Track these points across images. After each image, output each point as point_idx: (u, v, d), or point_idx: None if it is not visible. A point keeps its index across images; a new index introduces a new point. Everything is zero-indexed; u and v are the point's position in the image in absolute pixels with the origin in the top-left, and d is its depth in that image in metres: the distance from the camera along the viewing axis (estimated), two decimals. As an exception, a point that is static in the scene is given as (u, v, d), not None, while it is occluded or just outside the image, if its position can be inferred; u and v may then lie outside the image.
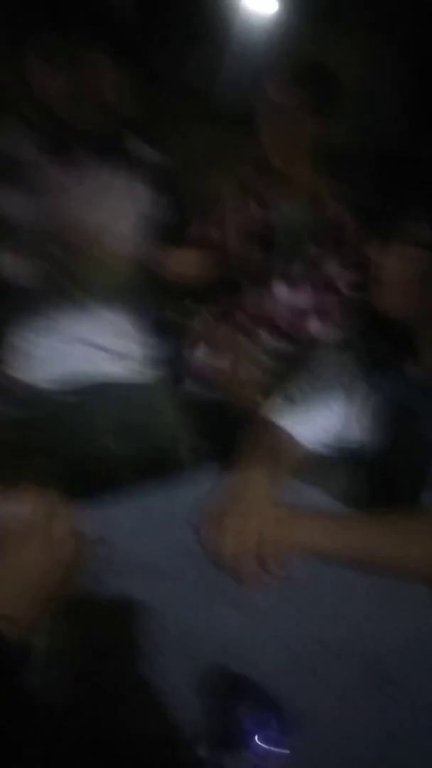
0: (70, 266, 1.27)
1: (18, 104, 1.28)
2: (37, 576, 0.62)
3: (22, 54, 1.19)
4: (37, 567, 0.62)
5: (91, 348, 1.34)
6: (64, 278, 1.28)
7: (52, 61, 1.18)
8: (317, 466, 1.06)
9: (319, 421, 1.05)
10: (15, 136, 1.26)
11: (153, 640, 0.70)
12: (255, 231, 1.49)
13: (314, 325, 1.48)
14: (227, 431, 1.18)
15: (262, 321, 1.51)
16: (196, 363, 1.55)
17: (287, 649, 0.70)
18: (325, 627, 0.72)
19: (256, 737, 0.59)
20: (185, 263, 1.42)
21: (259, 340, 1.51)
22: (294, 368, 1.29)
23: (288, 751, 0.59)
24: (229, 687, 0.65)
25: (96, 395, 1.33)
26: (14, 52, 1.20)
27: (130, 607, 0.74)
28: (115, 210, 1.32)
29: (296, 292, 1.48)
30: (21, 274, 1.27)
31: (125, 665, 0.68)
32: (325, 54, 1.53)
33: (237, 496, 0.84)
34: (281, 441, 1.04)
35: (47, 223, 1.25)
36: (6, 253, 1.27)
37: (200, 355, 1.55)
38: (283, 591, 0.76)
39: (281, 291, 1.49)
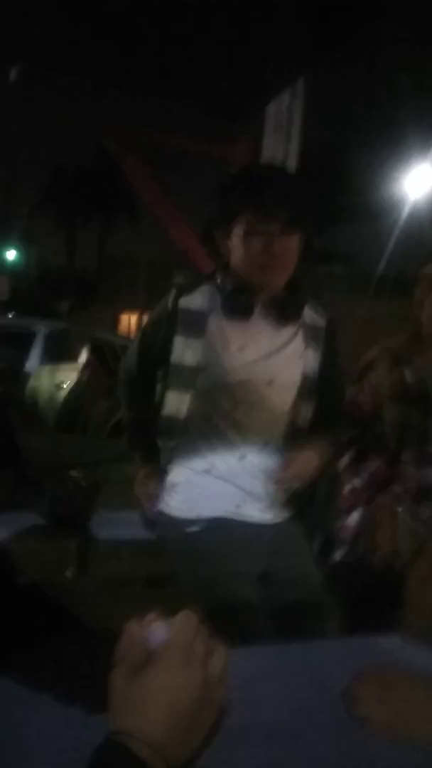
0: (235, 414, 1.36)
1: (214, 271, 1.43)
2: (193, 707, 0.54)
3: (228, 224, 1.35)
4: (194, 696, 0.55)
5: (236, 488, 1.38)
6: (226, 423, 1.37)
7: (255, 233, 1.30)
8: None
9: None
10: (206, 298, 1.39)
11: None
12: (410, 395, 1.53)
13: None
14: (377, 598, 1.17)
15: (425, 497, 1.49)
16: (351, 530, 1.55)
17: None
18: None
19: None
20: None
21: (417, 512, 1.49)
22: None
23: None
24: None
25: (233, 533, 1.34)
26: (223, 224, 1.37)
27: None
28: (281, 366, 1.40)
29: None
30: (183, 411, 1.37)
31: None
32: None
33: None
34: None
35: (221, 374, 1.35)
36: (170, 392, 1.38)
37: (355, 521, 1.55)
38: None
39: None
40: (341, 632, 1.29)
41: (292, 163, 3.28)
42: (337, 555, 1.53)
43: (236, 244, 1.35)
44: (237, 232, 1.33)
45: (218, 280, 1.40)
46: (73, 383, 5.77)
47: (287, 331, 1.42)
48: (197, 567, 1.32)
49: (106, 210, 26.29)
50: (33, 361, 6.48)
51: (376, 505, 1.52)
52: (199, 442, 1.38)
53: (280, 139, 3.39)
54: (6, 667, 0.74)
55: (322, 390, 1.47)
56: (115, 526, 2.14)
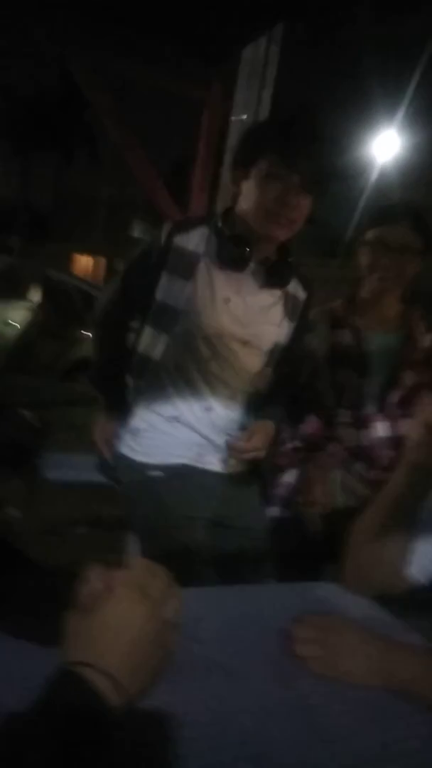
0: (209, 366, 1.36)
1: (212, 213, 1.41)
2: (145, 641, 0.57)
3: (246, 169, 1.33)
4: (146, 631, 0.57)
5: (201, 438, 1.40)
6: (198, 373, 1.37)
7: (275, 177, 1.28)
8: (414, 600, 1.01)
9: (421, 552, 1.00)
10: (202, 240, 1.36)
11: (221, 746, 0.63)
12: (349, 358, 1.55)
13: None
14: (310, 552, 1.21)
15: (359, 455, 1.52)
16: (286, 487, 1.59)
17: None
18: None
19: None
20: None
21: (355, 471, 1.53)
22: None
23: None
24: None
25: (195, 480, 1.38)
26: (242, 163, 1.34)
27: (202, 707, 0.68)
28: (261, 329, 1.41)
29: (395, 424, 1.51)
30: (157, 353, 1.36)
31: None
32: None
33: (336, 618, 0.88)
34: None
35: (202, 323, 1.33)
36: (149, 329, 1.36)
37: (290, 480, 1.58)
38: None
39: (379, 425, 1.52)
40: (281, 580, 1.36)
41: (264, 112, 3.20)
42: (273, 512, 1.56)
43: (251, 187, 1.32)
44: (256, 174, 1.30)
45: (218, 224, 1.37)
46: (24, 322, 5.61)
47: (272, 295, 1.42)
48: (156, 511, 1.35)
49: (66, 142, 24.87)
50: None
51: (311, 464, 1.56)
52: (169, 388, 1.38)
53: (254, 85, 3.28)
54: None
55: (286, 361, 1.49)
56: (66, 468, 2.14)
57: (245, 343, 1.38)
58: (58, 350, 5.18)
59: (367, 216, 1.63)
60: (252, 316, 1.38)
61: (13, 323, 5.65)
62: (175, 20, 3.02)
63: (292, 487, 1.57)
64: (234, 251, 1.34)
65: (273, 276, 1.40)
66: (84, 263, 21.16)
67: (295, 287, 1.47)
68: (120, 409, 1.44)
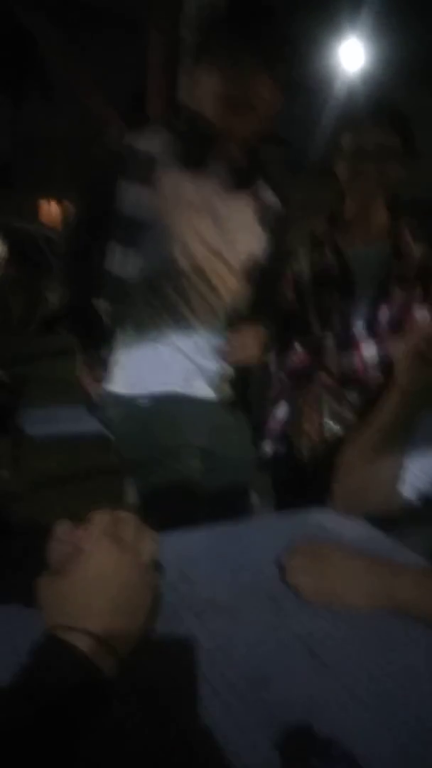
0: (183, 282, 1.28)
1: (170, 111, 1.30)
2: (126, 591, 0.53)
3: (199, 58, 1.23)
4: (125, 581, 0.54)
5: (186, 361, 1.33)
6: (174, 291, 1.29)
7: (229, 63, 1.18)
8: (406, 518, 1.01)
9: (412, 472, 0.98)
10: (156, 139, 1.27)
11: (227, 687, 0.62)
12: (332, 279, 1.47)
13: None
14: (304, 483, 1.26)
15: (348, 380, 1.47)
16: (278, 422, 1.55)
17: (376, 717, 0.61)
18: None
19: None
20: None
21: (344, 399, 1.48)
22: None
23: None
24: (313, 751, 0.56)
25: (183, 408, 1.32)
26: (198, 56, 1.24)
27: (202, 650, 0.67)
28: (232, 237, 1.31)
29: (384, 345, 1.45)
30: (128, 272, 1.27)
31: (193, 711, 0.60)
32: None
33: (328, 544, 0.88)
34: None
35: (169, 235, 1.25)
36: (116, 246, 1.27)
37: (281, 413, 1.55)
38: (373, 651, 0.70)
39: (367, 345, 1.46)
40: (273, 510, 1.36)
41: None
42: (267, 448, 1.55)
43: (205, 74, 1.22)
44: (208, 59, 1.21)
45: (174, 122, 1.28)
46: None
47: (243, 201, 1.33)
48: (145, 441, 1.32)
49: (16, 82, 23.45)
50: None
51: (300, 395, 1.52)
52: (146, 309, 1.31)
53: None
54: None
55: (264, 275, 1.41)
56: (50, 422, 2.11)
57: (217, 253, 1.30)
58: (31, 302, 5.05)
59: (339, 121, 1.52)
60: (221, 223, 1.30)
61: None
62: None
63: (284, 420, 1.55)
64: (193, 147, 1.25)
65: (239, 176, 1.31)
66: (52, 210, 20.41)
67: (268, 195, 1.39)
68: (99, 344, 1.39)
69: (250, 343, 1.39)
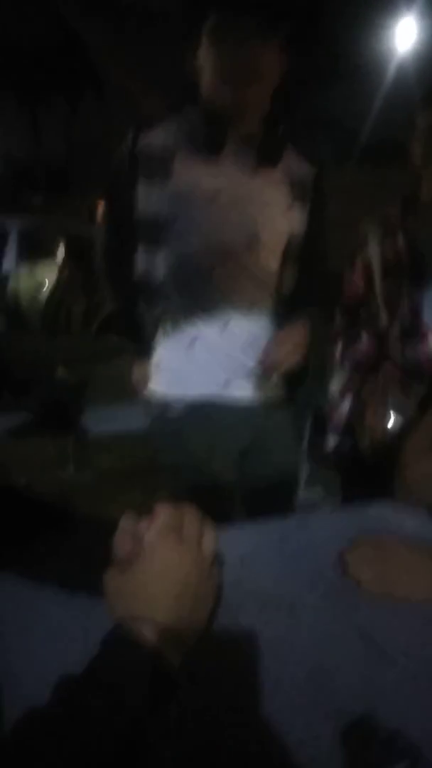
0: (215, 274, 1.23)
1: (183, 99, 1.25)
2: (191, 585, 0.56)
3: (197, 36, 1.15)
4: (189, 575, 0.57)
5: (226, 360, 1.29)
6: (206, 285, 1.24)
7: (226, 36, 1.12)
8: None
9: None
10: (171, 131, 1.22)
11: (290, 679, 0.63)
12: (402, 265, 1.40)
13: None
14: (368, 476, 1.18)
15: (415, 372, 1.41)
16: (342, 416, 1.51)
17: None
18: None
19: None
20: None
21: (411, 391, 1.42)
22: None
23: None
24: (377, 742, 0.57)
25: (221, 414, 1.30)
26: (191, 36, 1.17)
27: (263, 643, 0.68)
28: (266, 219, 1.24)
29: None
30: (158, 272, 1.24)
31: (256, 703, 0.61)
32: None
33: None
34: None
35: (194, 226, 1.20)
36: (144, 246, 1.24)
37: (346, 407, 1.50)
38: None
39: None
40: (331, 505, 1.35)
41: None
42: (331, 442, 1.52)
43: (205, 57, 1.16)
44: (206, 41, 1.15)
45: (183, 109, 1.24)
46: (53, 282, 5.61)
47: (269, 177, 1.26)
48: (180, 449, 1.30)
49: (70, 88, 23.97)
50: (9, 262, 6.23)
51: (366, 387, 1.48)
52: (181, 310, 1.27)
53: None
54: (8, 567, 0.76)
55: (308, 252, 1.34)
56: (108, 420, 2.18)
57: (250, 239, 1.23)
58: (91, 305, 5.17)
59: (418, 99, 1.39)
60: (251, 207, 1.23)
61: (47, 284, 5.67)
62: None
63: (349, 416, 1.52)
64: (207, 132, 1.19)
65: (262, 153, 1.23)
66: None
67: (297, 163, 1.30)
68: (146, 345, 1.37)
69: (290, 347, 1.32)
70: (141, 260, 1.26)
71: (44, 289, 5.64)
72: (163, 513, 0.61)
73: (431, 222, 1.40)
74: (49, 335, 5.15)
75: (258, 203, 1.24)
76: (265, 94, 1.19)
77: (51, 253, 6.13)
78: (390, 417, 1.44)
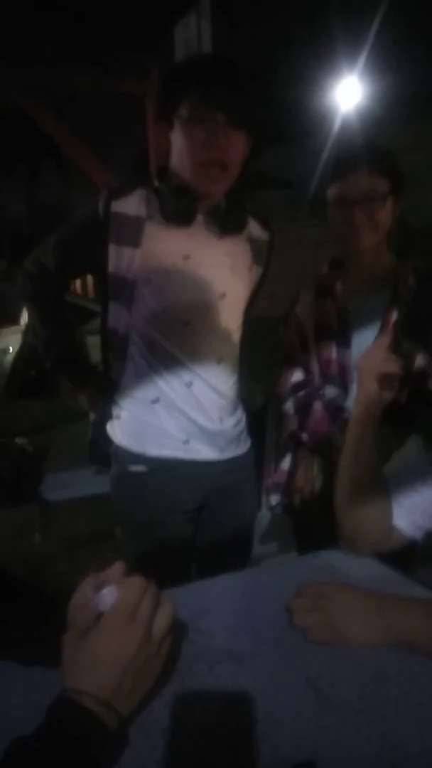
0: (185, 331, 1.28)
1: (149, 175, 1.32)
2: (137, 665, 0.62)
3: (170, 114, 1.23)
4: (138, 656, 0.62)
5: (186, 422, 1.32)
6: (174, 342, 1.28)
7: (199, 120, 1.19)
8: (416, 555, 1.04)
9: (408, 506, 1.02)
10: (143, 202, 1.28)
11: (233, 731, 0.66)
12: (331, 330, 1.45)
13: None
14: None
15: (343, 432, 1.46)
16: (283, 474, 1.55)
17: (380, 752, 0.64)
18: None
19: None
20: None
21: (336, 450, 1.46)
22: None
23: None
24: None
25: (181, 473, 1.32)
26: (165, 114, 1.24)
27: (213, 698, 0.71)
28: (232, 279, 1.34)
29: None
30: (121, 326, 1.30)
31: (199, 757, 0.64)
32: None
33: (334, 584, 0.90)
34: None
35: (168, 286, 1.26)
36: (111, 304, 1.30)
37: (284, 466, 1.54)
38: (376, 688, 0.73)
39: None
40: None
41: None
42: (273, 500, 1.54)
43: (177, 135, 1.23)
44: (180, 120, 1.21)
45: (155, 184, 1.29)
46: (17, 347, 5.65)
47: (233, 243, 1.35)
48: (138, 507, 1.32)
49: (31, 157, 24.59)
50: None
51: (301, 449, 1.51)
52: (144, 368, 1.30)
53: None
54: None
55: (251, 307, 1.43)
56: (68, 486, 2.16)
57: (222, 296, 1.31)
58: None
59: (329, 171, 1.47)
60: (219, 269, 1.31)
61: (11, 351, 5.70)
62: (101, 18, 2.99)
63: (286, 473, 1.54)
64: (176, 205, 1.26)
65: (224, 222, 1.32)
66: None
67: (256, 229, 1.41)
68: (90, 379, 1.42)
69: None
70: (110, 316, 1.30)
71: (8, 355, 5.66)
72: (125, 592, 0.66)
73: (359, 284, 1.46)
74: (11, 401, 5.14)
75: (225, 265, 1.33)
76: (233, 177, 1.27)
77: (15, 320, 6.18)
78: (320, 479, 1.47)
